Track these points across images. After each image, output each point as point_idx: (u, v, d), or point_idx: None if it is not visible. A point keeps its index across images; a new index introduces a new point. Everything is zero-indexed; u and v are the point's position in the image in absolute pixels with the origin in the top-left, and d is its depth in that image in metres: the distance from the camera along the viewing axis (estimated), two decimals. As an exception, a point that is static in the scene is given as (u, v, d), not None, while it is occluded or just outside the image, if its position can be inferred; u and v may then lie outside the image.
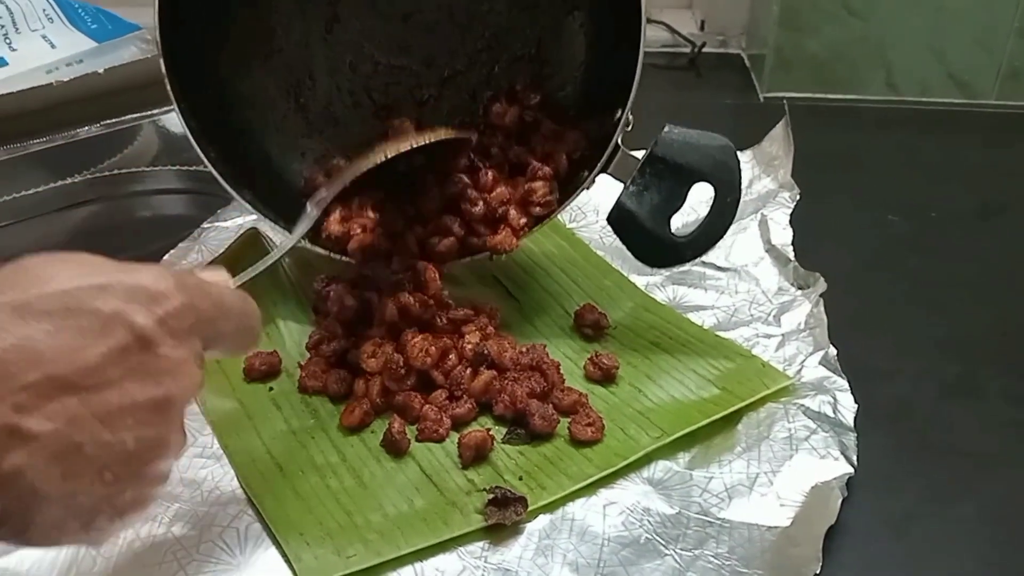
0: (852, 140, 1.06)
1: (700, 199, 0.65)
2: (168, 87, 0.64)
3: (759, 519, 0.52)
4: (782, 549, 0.50)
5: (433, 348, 0.62)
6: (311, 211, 0.61)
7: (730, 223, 0.63)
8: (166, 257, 0.80)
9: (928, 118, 1.11)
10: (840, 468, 0.55)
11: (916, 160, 1.01)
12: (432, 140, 0.64)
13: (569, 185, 0.68)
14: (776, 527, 0.51)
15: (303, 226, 0.61)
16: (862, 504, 0.54)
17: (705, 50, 1.28)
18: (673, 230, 0.64)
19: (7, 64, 1.01)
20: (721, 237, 0.64)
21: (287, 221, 0.68)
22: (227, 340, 0.45)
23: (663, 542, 0.51)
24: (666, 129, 0.63)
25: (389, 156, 0.62)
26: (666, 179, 0.63)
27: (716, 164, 0.63)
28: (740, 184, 0.63)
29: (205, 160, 0.66)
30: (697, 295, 0.73)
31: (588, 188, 0.67)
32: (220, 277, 0.47)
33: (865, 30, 1.11)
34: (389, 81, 0.73)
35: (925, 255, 0.81)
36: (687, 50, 1.28)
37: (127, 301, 0.38)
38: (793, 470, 0.55)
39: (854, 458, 0.55)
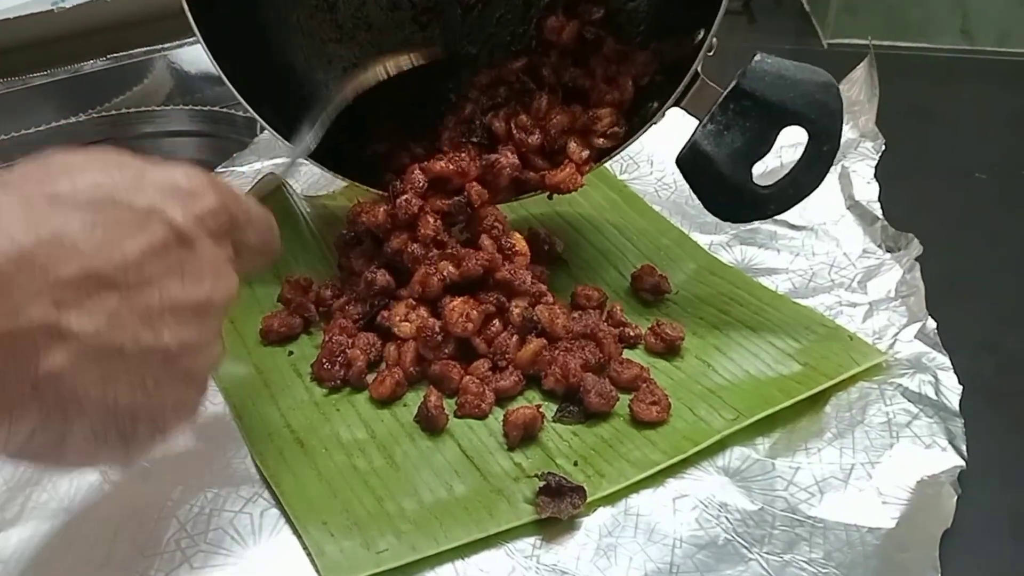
0: (925, 92, 0.97)
1: (787, 143, 0.56)
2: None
3: (858, 519, 0.44)
4: (889, 555, 0.43)
5: (475, 312, 0.54)
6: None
7: (824, 175, 0.54)
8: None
9: (1006, 69, 1.03)
10: (948, 460, 0.47)
11: (995, 114, 0.93)
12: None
13: (636, 117, 0.59)
14: (879, 528, 0.44)
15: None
16: (974, 500, 0.46)
17: (760, -8, 1.19)
18: (754, 178, 0.55)
19: (9, -7, 0.94)
20: (812, 191, 0.55)
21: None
22: (250, 253, 0.42)
23: (745, 544, 0.44)
24: (757, 58, 0.54)
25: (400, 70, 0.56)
26: (752, 118, 0.54)
27: (814, 104, 0.53)
28: (840, 131, 0.54)
29: (218, 70, 0.58)
30: (769, 256, 0.65)
31: (657, 123, 0.58)
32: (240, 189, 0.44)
33: (940, -29, 1.02)
34: None
35: (1019, 215, 0.72)
36: (741, -8, 1.19)
37: (164, 196, 0.36)
38: (895, 461, 0.47)
39: (963, 448, 0.48)
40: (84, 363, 0.33)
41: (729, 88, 0.54)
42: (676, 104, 0.57)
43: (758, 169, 0.56)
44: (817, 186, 0.55)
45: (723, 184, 0.55)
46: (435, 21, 0.65)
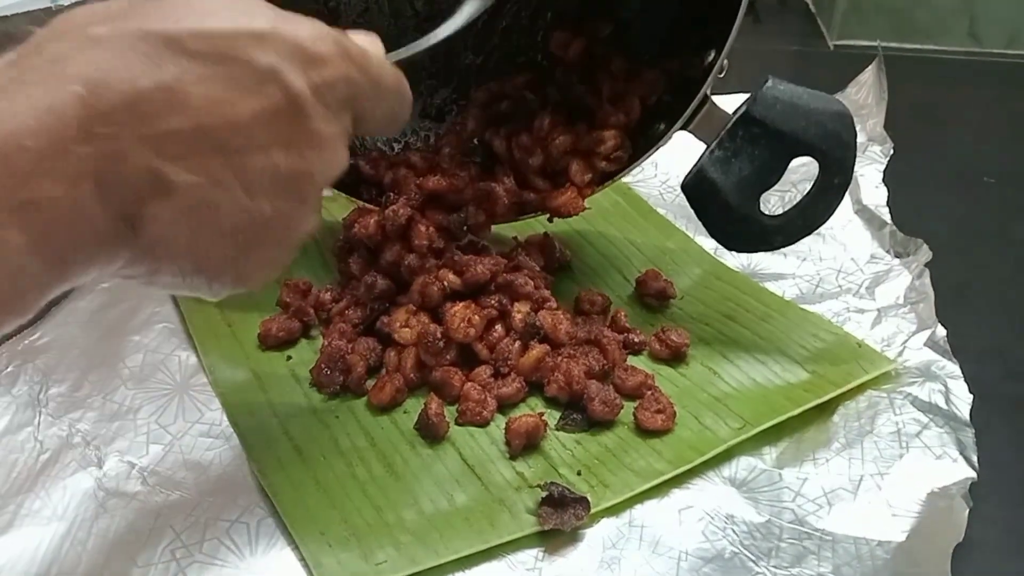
0: (932, 95, 0.96)
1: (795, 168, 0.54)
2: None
3: (868, 532, 0.43)
4: (900, 570, 0.42)
5: (477, 318, 0.53)
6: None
7: (835, 208, 0.52)
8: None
9: (1015, 71, 1.01)
10: (960, 471, 0.46)
11: (1004, 117, 0.91)
12: None
13: (641, 138, 0.58)
14: (889, 542, 0.43)
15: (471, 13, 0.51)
16: (986, 512, 0.45)
17: (766, -7, 1.18)
18: (762, 208, 0.53)
19: (8, -11, 0.93)
20: (822, 223, 0.53)
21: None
22: (374, 122, 0.41)
23: (752, 557, 0.43)
24: (768, 84, 0.51)
25: None
26: (761, 147, 0.51)
27: (827, 135, 0.51)
28: (853, 164, 0.52)
29: None
30: (775, 261, 0.64)
31: (664, 145, 0.56)
32: (375, 47, 0.41)
33: (947, -27, 1.01)
34: None
35: (1031, 222, 0.71)
36: (746, -7, 1.17)
37: (286, 58, 0.34)
38: (904, 473, 0.46)
39: (975, 459, 0.47)
40: (179, 214, 0.33)
41: (738, 114, 0.52)
42: (684, 127, 0.55)
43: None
44: (827, 219, 0.53)
45: (729, 213, 0.53)
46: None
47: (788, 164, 0.52)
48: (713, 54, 0.53)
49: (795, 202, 0.53)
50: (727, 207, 0.53)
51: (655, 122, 0.58)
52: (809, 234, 0.54)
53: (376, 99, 0.39)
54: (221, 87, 0.33)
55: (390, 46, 0.62)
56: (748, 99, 0.52)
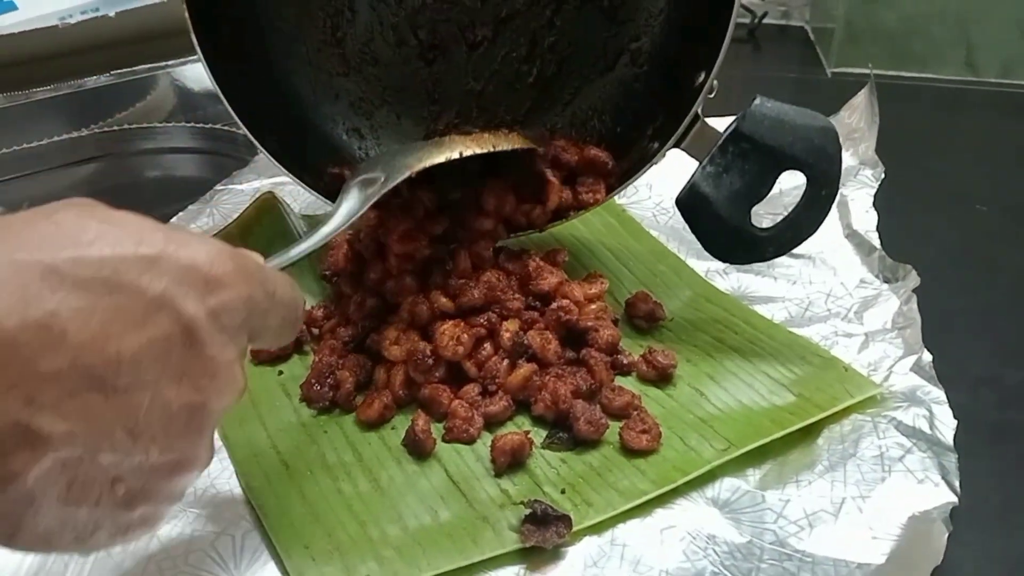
0: (927, 122, 0.97)
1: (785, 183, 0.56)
2: (185, 7, 0.55)
3: (847, 554, 0.44)
4: (879, 593, 0.42)
5: (465, 336, 0.54)
6: (357, 199, 0.52)
7: (822, 220, 0.54)
8: (174, 220, 0.73)
9: (1010, 101, 1.02)
10: (941, 496, 0.46)
11: (998, 146, 0.92)
12: (508, 148, 0.58)
13: (634, 153, 0.59)
14: (869, 564, 0.43)
15: (347, 214, 0.51)
16: (966, 538, 0.45)
17: (766, 21, 1.19)
18: (753, 220, 0.55)
19: (16, 8, 0.95)
20: (810, 235, 0.55)
21: (312, 176, 0.61)
22: (269, 335, 0.38)
23: (732, 577, 0.43)
24: (756, 102, 0.54)
25: (464, 155, 0.55)
26: (751, 162, 0.54)
27: (813, 150, 0.53)
28: (839, 176, 0.54)
29: (223, 98, 0.58)
30: (765, 285, 0.64)
31: (656, 163, 0.58)
32: (259, 258, 0.39)
33: (944, 3, 1.02)
34: (438, 17, 0.63)
35: (1020, 249, 0.72)
36: (746, 20, 1.19)
37: (178, 283, 0.31)
38: (886, 496, 0.46)
39: (956, 484, 0.47)
40: (51, 469, 0.29)
41: (728, 131, 0.54)
42: (676, 145, 0.57)
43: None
44: (815, 230, 0.55)
45: (722, 225, 0.55)
46: (441, 57, 0.64)
47: (777, 178, 0.54)
48: (703, 76, 0.55)
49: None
50: (719, 220, 0.55)
51: (648, 141, 0.59)
52: (798, 244, 0.56)
53: (272, 312, 0.37)
54: (104, 319, 0.29)
55: (395, 76, 0.64)
56: (738, 116, 0.54)
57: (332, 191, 0.59)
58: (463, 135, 0.61)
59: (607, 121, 0.64)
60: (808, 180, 0.54)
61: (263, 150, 0.60)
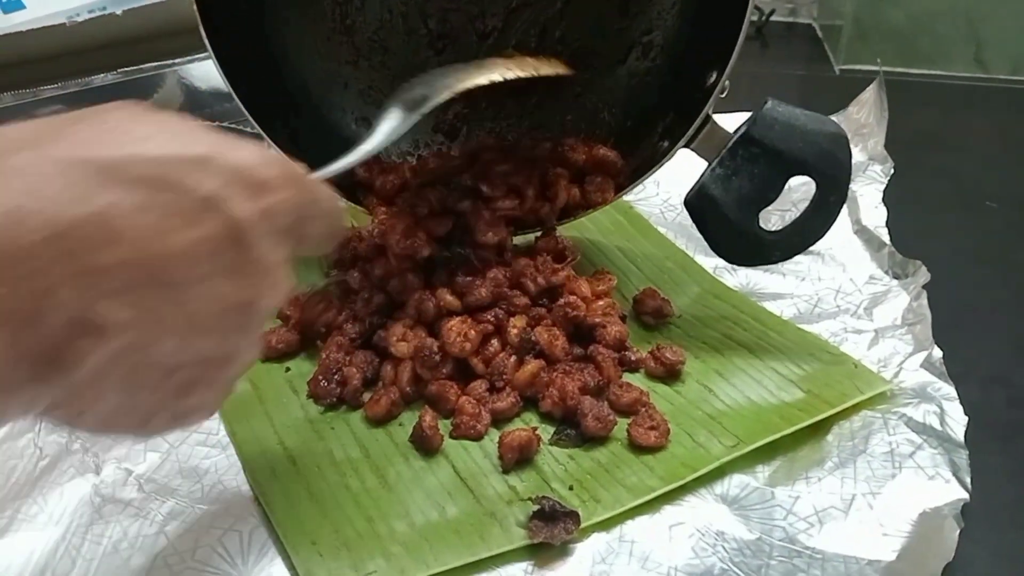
0: (936, 119, 0.96)
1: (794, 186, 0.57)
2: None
3: (858, 551, 0.43)
4: (888, 590, 0.41)
5: (473, 332, 0.53)
6: (398, 117, 0.50)
7: (830, 225, 0.54)
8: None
9: (1019, 98, 1.01)
10: (952, 492, 0.46)
11: (1008, 143, 0.91)
12: (550, 72, 0.57)
13: (644, 150, 0.59)
14: (879, 561, 0.43)
15: (388, 132, 0.49)
16: (977, 535, 0.45)
17: (773, 18, 1.19)
18: (761, 223, 0.55)
19: (24, 7, 0.95)
20: (818, 239, 0.55)
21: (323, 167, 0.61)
22: (312, 242, 0.38)
23: (742, 574, 0.43)
24: (768, 105, 0.53)
25: (506, 78, 0.54)
26: (760, 165, 0.53)
27: (823, 155, 0.53)
28: (848, 183, 0.54)
29: (230, 90, 0.57)
30: (774, 281, 0.64)
31: (667, 161, 0.58)
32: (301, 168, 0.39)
33: (953, 1, 1.01)
34: (448, 7, 0.64)
35: (1032, 247, 0.71)
36: (753, 17, 1.18)
37: (229, 184, 0.32)
38: (897, 492, 0.46)
39: (967, 480, 0.47)
40: (111, 355, 0.30)
41: (738, 134, 0.54)
42: (686, 145, 0.57)
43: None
44: (823, 235, 0.55)
45: (729, 228, 0.55)
46: (451, 47, 0.64)
47: (786, 182, 0.54)
48: (715, 76, 0.55)
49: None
50: (727, 222, 0.55)
51: (658, 139, 0.59)
52: (805, 249, 0.55)
53: (317, 220, 0.37)
54: (157, 216, 0.30)
55: (404, 65, 0.64)
56: (748, 119, 0.53)
57: (342, 184, 0.59)
58: (505, 57, 0.59)
59: (617, 114, 0.64)
60: (817, 186, 0.54)
61: (271, 141, 0.59)
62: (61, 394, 0.30)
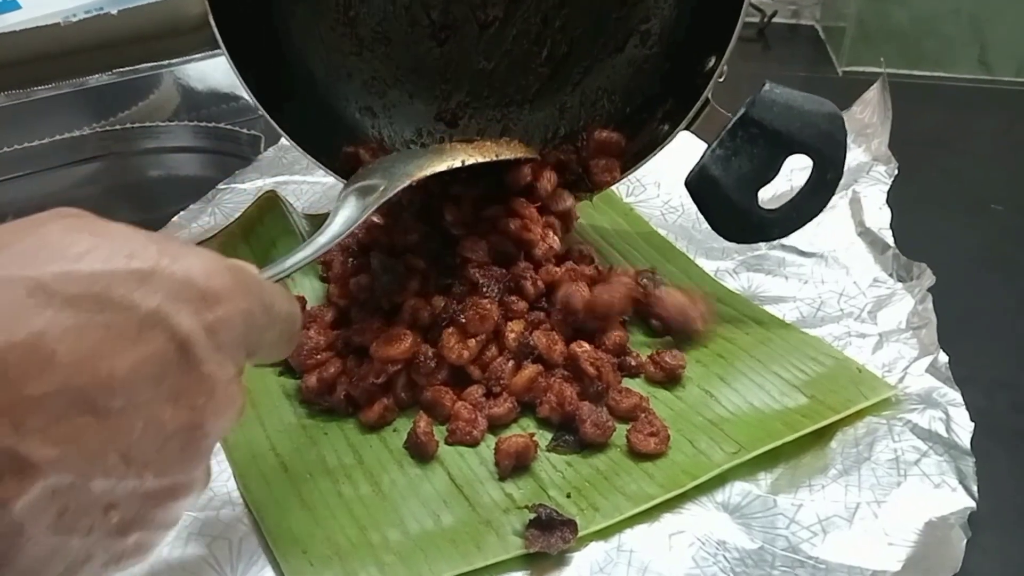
0: (941, 121, 0.95)
1: (792, 167, 0.56)
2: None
3: (862, 560, 0.42)
4: (894, 601, 0.40)
5: (472, 341, 0.53)
6: (354, 207, 0.50)
7: (826, 202, 0.56)
8: (175, 219, 0.72)
9: (1024, 100, 1.00)
10: (959, 501, 0.45)
11: (1013, 145, 0.91)
12: (510, 156, 0.58)
13: (645, 135, 0.60)
14: (884, 571, 0.42)
15: (344, 223, 0.48)
16: (984, 544, 0.44)
17: (775, 20, 1.18)
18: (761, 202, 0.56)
19: (20, 8, 0.94)
20: (815, 216, 0.56)
21: (328, 157, 0.62)
22: (267, 349, 0.36)
23: (743, 585, 0.42)
24: (766, 87, 0.55)
25: (466, 163, 0.56)
26: (759, 146, 0.55)
27: (820, 135, 0.54)
28: (844, 161, 0.55)
29: (240, 80, 0.58)
30: (776, 284, 0.63)
31: (665, 147, 0.60)
32: (255, 269, 0.37)
33: (957, 2, 1.00)
34: None
35: (1039, 250, 0.70)
36: (755, 19, 1.18)
37: (173, 299, 0.30)
38: (902, 501, 0.45)
39: (974, 488, 0.46)
40: (40, 497, 0.28)
41: (738, 115, 0.55)
42: (687, 128, 0.58)
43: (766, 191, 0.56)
44: (819, 212, 0.56)
45: (729, 207, 0.56)
46: (452, 37, 0.64)
47: (784, 161, 0.55)
48: (714, 60, 0.56)
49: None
50: (727, 201, 0.56)
51: (659, 123, 0.60)
52: (803, 225, 0.57)
53: (270, 327, 0.35)
54: (96, 338, 0.28)
55: (407, 56, 0.64)
56: (747, 101, 0.55)
57: (347, 171, 0.60)
58: (465, 142, 0.61)
59: (617, 101, 0.65)
60: (815, 164, 0.55)
61: (278, 127, 0.60)
62: None
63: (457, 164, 0.55)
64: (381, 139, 0.66)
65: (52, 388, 0.27)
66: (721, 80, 0.56)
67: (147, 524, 0.32)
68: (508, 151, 0.59)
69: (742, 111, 0.55)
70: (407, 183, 0.52)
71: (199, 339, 0.30)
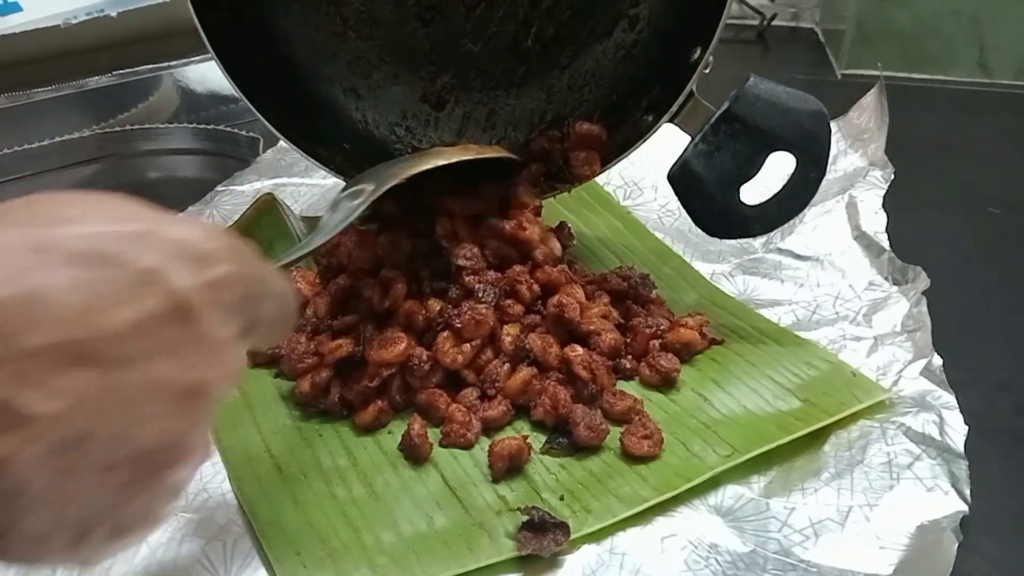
0: (939, 124, 0.95)
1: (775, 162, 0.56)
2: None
3: (854, 564, 0.42)
4: (885, 605, 0.40)
5: (467, 345, 0.53)
6: (344, 210, 0.51)
7: (808, 201, 0.55)
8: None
9: (1023, 103, 1.00)
10: (951, 504, 0.45)
11: (1012, 148, 0.91)
12: (492, 156, 0.59)
13: (629, 125, 0.60)
14: (876, 575, 0.42)
15: (334, 225, 0.49)
16: (976, 547, 0.44)
17: (775, 23, 1.18)
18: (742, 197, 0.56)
19: (21, 10, 0.95)
20: (796, 215, 0.56)
21: (312, 142, 0.62)
22: (263, 326, 0.36)
23: (735, 587, 0.42)
24: (750, 82, 0.54)
25: (452, 161, 0.56)
26: (742, 142, 0.55)
27: (803, 133, 0.54)
28: (827, 160, 0.54)
29: (221, 68, 0.58)
30: (772, 287, 0.63)
31: (649, 138, 0.60)
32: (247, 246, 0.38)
33: (958, 3, 1.00)
34: None
35: (1035, 253, 0.70)
36: (755, 22, 1.18)
37: (170, 256, 0.30)
38: (894, 504, 0.45)
39: (967, 492, 0.46)
40: (40, 452, 0.27)
41: (721, 110, 0.55)
42: (671, 119, 0.58)
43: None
44: (801, 210, 0.56)
45: (711, 203, 0.56)
46: (438, 18, 0.64)
47: (766, 158, 0.55)
48: (699, 51, 0.56)
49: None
50: (710, 198, 0.56)
51: (643, 113, 0.60)
52: (784, 223, 0.57)
53: (267, 299, 0.35)
54: (92, 294, 0.28)
55: (392, 36, 0.64)
56: (731, 96, 0.55)
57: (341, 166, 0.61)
58: (447, 145, 0.62)
59: (603, 87, 0.64)
60: (797, 162, 0.55)
61: (263, 118, 0.60)
62: None
63: (442, 162, 0.56)
64: (366, 121, 0.66)
65: (51, 340, 0.27)
66: (707, 72, 0.56)
67: (150, 488, 0.31)
68: (490, 151, 0.60)
69: (725, 106, 0.54)
70: (395, 182, 0.52)
71: (196, 297, 0.30)
